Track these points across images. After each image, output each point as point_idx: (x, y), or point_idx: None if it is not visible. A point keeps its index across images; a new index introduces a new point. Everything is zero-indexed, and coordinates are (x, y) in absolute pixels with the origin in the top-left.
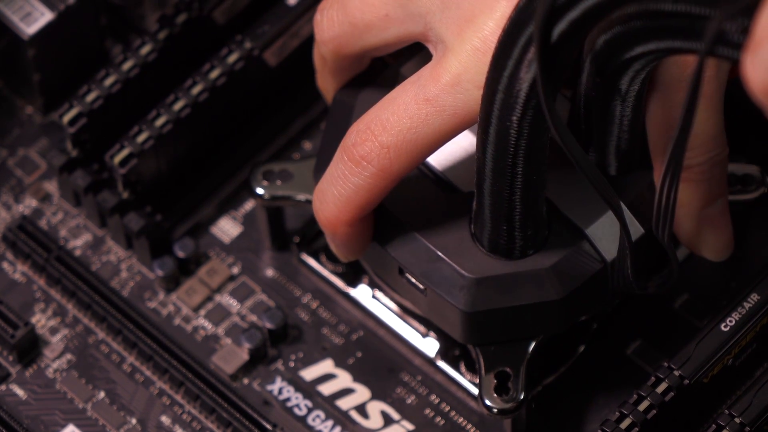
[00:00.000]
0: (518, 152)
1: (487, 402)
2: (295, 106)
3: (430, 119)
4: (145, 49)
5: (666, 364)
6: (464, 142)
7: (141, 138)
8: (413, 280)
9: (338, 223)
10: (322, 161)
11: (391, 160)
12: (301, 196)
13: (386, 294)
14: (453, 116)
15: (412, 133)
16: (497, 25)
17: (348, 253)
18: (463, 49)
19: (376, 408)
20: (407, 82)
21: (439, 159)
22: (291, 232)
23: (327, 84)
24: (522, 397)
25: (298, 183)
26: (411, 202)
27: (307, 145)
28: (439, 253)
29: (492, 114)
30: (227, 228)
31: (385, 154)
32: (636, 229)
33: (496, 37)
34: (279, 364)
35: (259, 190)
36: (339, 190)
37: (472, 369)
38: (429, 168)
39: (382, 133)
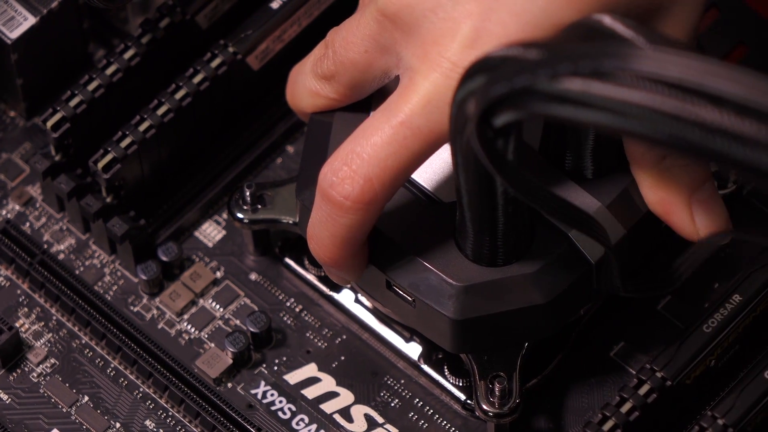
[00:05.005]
0: (491, 176)
1: (485, 407)
2: (277, 109)
3: (409, 142)
4: (129, 54)
5: (648, 365)
6: (443, 153)
7: (124, 143)
8: (401, 292)
9: (342, 258)
10: (303, 181)
11: (376, 191)
12: (283, 219)
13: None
14: (430, 134)
15: (392, 159)
16: (462, 45)
17: (351, 278)
18: (430, 69)
19: (359, 411)
20: (376, 112)
21: (419, 171)
22: (274, 236)
23: (305, 110)
24: (518, 400)
25: (279, 206)
26: (394, 216)
27: (290, 149)
28: (426, 264)
29: (457, 145)
30: (210, 232)
31: (369, 187)
32: (617, 231)
33: (460, 57)
34: (263, 368)
35: (239, 215)
36: (332, 231)
37: (455, 372)
38: (410, 181)
39: (361, 166)
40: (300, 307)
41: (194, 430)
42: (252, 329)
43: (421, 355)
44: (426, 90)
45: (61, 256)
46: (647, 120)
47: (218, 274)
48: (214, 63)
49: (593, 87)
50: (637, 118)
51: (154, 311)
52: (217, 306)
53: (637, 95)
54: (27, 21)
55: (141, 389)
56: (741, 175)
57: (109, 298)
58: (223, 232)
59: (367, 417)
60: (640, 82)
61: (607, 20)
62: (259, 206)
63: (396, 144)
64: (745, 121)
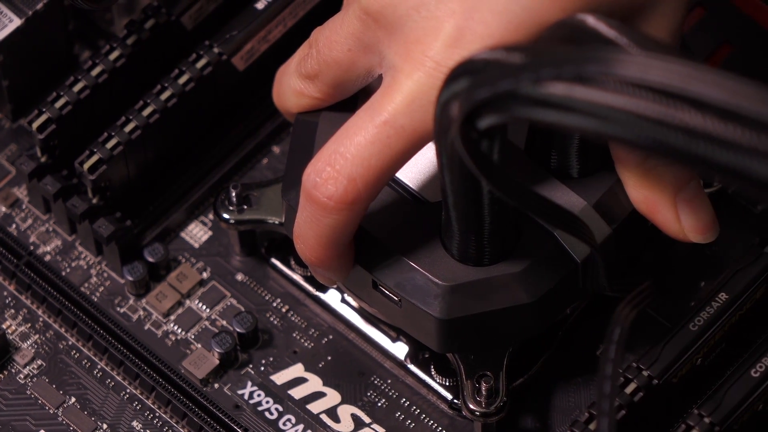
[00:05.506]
0: (475, 177)
1: (471, 406)
2: (263, 110)
3: (392, 141)
4: (114, 55)
5: (635, 364)
6: (429, 153)
7: (110, 144)
8: (387, 292)
9: (328, 259)
10: (289, 182)
11: (360, 191)
12: (269, 220)
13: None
14: (414, 133)
15: (376, 158)
16: (445, 44)
17: (338, 278)
18: (414, 69)
19: (346, 411)
20: (359, 112)
21: (404, 171)
22: (260, 236)
23: (290, 110)
24: (505, 399)
25: (265, 207)
26: (380, 216)
27: (276, 149)
28: (412, 264)
29: (441, 146)
30: (197, 233)
31: (353, 187)
32: (603, 229)
33: (444, 56)
34: (249, 369)
35: (225, 216)
36: (317, 232)
37: (442, 372)
38: (396, 180)
39: (345, 166)
40: (286, 307)
41: (181, 430)
42: (239, 330)
43: (408, 355)
44: (409, 89)
45: (48, 258)
46: (631, 125)
47: (204, 275)
48: (200, 64)
49: (576, 92)
50: (621, 122)
51: (141, 312)
52: (204, 307)
53: (621, 100)
54: (12, 23)
55: (128, 390)
56: (724, 180)
57: (95, 300)
58: (210, 233)
59: (354, 417)
60: (623, 86)
61: (591, 20)
62: (245, 207)
63: (379, 143)
64: (728, 126)
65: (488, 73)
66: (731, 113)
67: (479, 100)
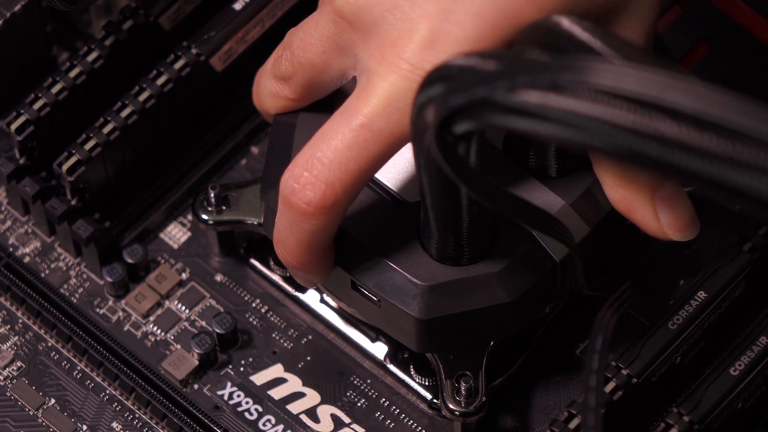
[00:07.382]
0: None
1: (451, 406)
2: (241, 110)
3: (370, 144)
4: (92, 56)
5: (614, 363)
6: (407, 153)
7: (89, 145)
8: (366, 292)
9: (309, 263)
10: (267, 182)
11: (338, 195)
12: (248, 220)
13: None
14: (391, 135)
15: (353, 162)
16: (419, 46)
17: (318, 280)
18: (389, 71)
19: (326, 411)
20: (335, 115)
21: (383, 171)
22: (239, 237)
23: (268, 111)
24: (484, 399)
25: (244, 207)
26: (359, 216)
27: (254, 150)
28: (391, 264)
29: (419, 150)
30: (175, 234)
31: (331, 191)
32: (582, 228)
33: (419, 58)
34: (229, 369)
35: (204, 216)
36: (297, 237)
37: (421, 371)
38: (374, 181)
39: (322, 171)
40: (266, 307)
41: (161, 431)
42: (218, 330)
43: (387, 355)
44: (385, 92)
45: (27, 259)
46: (606, 134)
47: (183, 276)
48: (178, 65)
49: (551, 100)
50: (595, 132)
51: (120, 313)
52: (183, 307)
53: (595, 109)
54: None
55: (107, 391)
56: (699, 188)
57: (74, 301)
58: (188, 234)
59: (334, 417)
60: (597, 96)
61: (565, 23)
62: (224, 207)
63: (357, 147)
64: (704, 135)
65: (463, 79)
66: (706, 122)
67: (454, 107)
